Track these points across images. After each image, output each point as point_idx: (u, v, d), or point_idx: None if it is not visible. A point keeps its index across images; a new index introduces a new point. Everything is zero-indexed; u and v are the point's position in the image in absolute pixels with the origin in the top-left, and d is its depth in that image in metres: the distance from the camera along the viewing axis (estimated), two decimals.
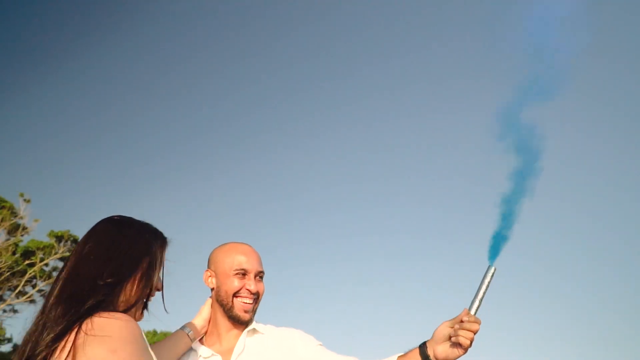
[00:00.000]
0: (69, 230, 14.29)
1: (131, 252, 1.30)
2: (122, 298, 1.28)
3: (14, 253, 13.85)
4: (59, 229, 14.32)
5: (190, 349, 1.74)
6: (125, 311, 1.26)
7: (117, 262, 1.28)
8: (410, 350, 1.62)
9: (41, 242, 14.16)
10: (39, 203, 16.81)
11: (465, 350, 1.51)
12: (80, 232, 14.06)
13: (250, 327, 1.79)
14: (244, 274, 1.76)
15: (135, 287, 1.30)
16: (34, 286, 14.41)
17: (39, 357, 1.14)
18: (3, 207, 13.78)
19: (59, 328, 1.16)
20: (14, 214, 13.80)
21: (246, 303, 1.75)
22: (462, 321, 1.51)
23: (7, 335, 16.72)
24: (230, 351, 1.73)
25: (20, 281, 13.89)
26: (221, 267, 1.76)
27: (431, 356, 1.56)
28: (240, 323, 1.76)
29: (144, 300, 1.35)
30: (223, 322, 1.76)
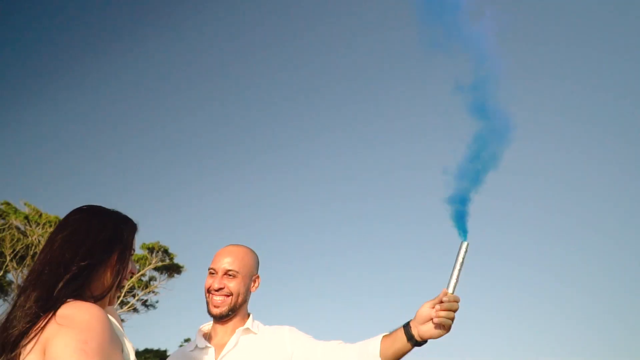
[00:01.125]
0: (158, 242, 15.28)
1: (102, 237, 1.27)
2: (97, 283, 1.25)
3: None
4: (149, 241, 15.32)
5: (194, 340, 1.87)
6: (101, 296, 1.25)
7: (89, 247, 1.24)
8: (395, 330, 1.62)
9: (136, 254, 15.13)
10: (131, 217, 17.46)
11: (448, 329, 1.52)
12: (169, 244, 15.29)
13: (244, 327, 1.85)
14: (212, 272, 1.87)
15: (109, 271, 1.27)
16: (134, 296, 15.41)
17: (14, 348, 1.11)
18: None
19: (27, 313, 1.13)
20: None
21: (214, 299, 1.83)
22: (442, 301, 1.51)
23: None
24: (223, 346, 1.80)
25: (122, 292, 14.88)
26: None
27: (416, 336, 1.57)
28: (214, 318, 1.86)
29: (122, 282, 1.31)
30: (215, 322, 1.89)
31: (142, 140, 27.27)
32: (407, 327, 1.60)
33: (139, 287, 15.31)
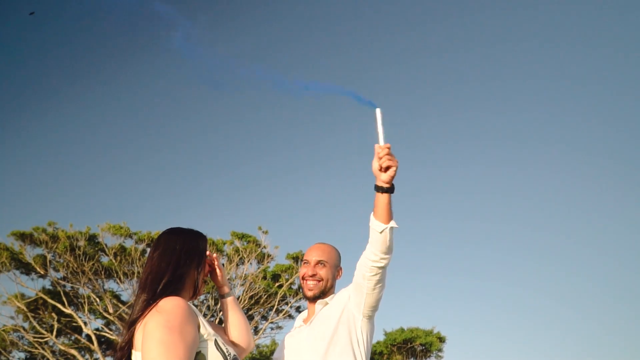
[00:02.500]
0: (301, 251, 16.12)
1: (185, 250, 1.72)
2: (188, 283, 1.70)
3: (264, 278, 15.86)
4: (292, 251, 16.22)
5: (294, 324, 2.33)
6: (191, 291, 1.72)
7: (177, 259, 1.69)
8: (374, 201, 1.93)
9: (283, 265, 16.08)
10: (275, 231, 18.90)
11: (395, 164, 1.86)
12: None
13: (322, 300, 2.21)
14: (306, 263, 2.26)
15: (194, 273, 1.72)
16: (287, 303, 16.48)
17: (131, 326, 1.60)
18: (249, 241, 15.74)
19: (139, 307, 1.60)
20: (258, 245, 15.72)
21: (308, 284, 2.22)
22: (378, 152, 1.88)
23: None
24: (309, 320, 2.24)
25: (275, 301, 15.95)
26: None
27: (381, 184, 1.89)
28: (308, 300, 2.25)
29: (203, 281, 1.77)
30: (308, 302, 2.29)
31: (269, 159, 28.92)
32: (375, 187, 1.93)
33: (290, 294, 16.23)
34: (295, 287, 16.40)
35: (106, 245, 14.01)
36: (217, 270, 1.94)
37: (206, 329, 1.63)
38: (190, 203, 26.68)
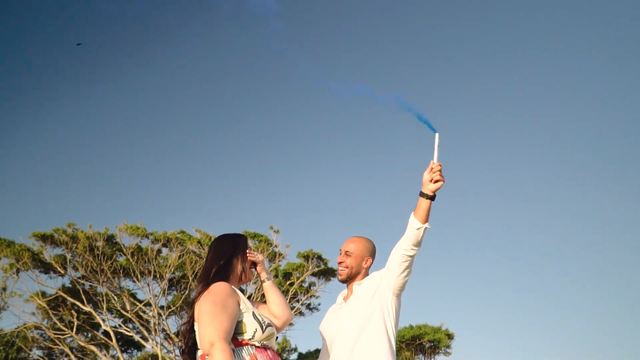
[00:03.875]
0: (311, 249, 16.50)
1: (230, 248, 2.25)
2: (233, 272, 2.22)
3: (276, 276, 16.25)
4: (303, 250, 16.60)
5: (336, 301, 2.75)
6: (240, 279, 2.25)
7: (223, 254, 2.22)
8: (417, 203, 2.38)
9: (294, 263, 16.46)
10: (286, 231, 19.31)
11: (442, 180, 2.32)
12: (321, 250, 16.34)
13: (358, 282, 2.64)
14: (339, 252, 2.71)
15: (237, 264, 2.24)
16: (298, 301, 16.85)
17: (192, 305, 2.14)
18: (261, 240, 16.14)
19: (197, 292, 2.12)
20: (269, 244, 16.11)
21: (338, 269, 2.70)
22: (432, 168, 2.33)
23: (293, 346, 19.68)
24: (347, 298, 2.66)
25: (287, 299, 16.34)
26: None
27: (426, 192, 2.34)
28: (341, 282, 2.71)
29: (250, 269, 2.31)
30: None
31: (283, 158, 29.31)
32: (421, 193, 2.38)
33: (301, 292, 16.61)
34: (306, 284, 16.78)
35: (123, 245, 14.45)
36: (257, 262, 2.42)
37: (245, 304, 2.12)
38: (203, 203, 27.13)
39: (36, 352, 16.18)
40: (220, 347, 1.89)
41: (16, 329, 15.02)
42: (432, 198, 2.36)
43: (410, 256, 2.46)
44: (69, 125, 26.67)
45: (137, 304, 15.29)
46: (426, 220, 2.39)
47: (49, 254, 14.19)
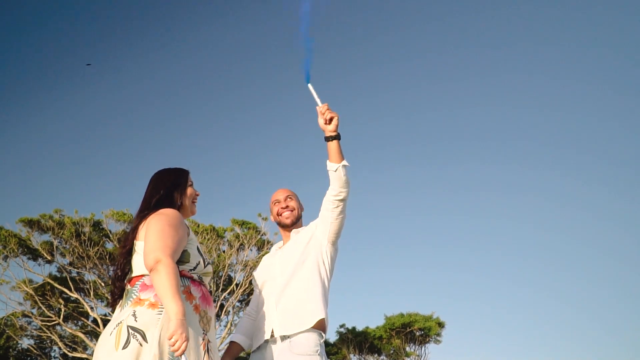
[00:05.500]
0: None
1: (170, 179, 2.21)
2: (174, 203, 2.16)
3: None
4: None
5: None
6: (179, 206, 2.18)
7: (164, 185, 2.18)
8: (327, 151, 2.39)
9: None
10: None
11: (335, 114, 2.35)
12: None
13: (295, 230, 2.64)
14: (277, 202, 2.70)
15: (177, 195, 2.19)
16: None
17: (133, 230, 2.09)
18: (249, 228, 16.13)
19: (138, 218, 2.09)
20: (257, 231, 16.11)
21: (284, 215, 2.65)
22: (321, 112, 2.37)
23: None
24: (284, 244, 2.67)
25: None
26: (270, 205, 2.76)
27: (331, 133, 2.35)
28: (285, 227, 2.67)
29: (192, 202, 2.27)
30: (282, 231, 2.71)
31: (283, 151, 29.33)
32: (325, 139, 2.38)
33: None
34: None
35: (110, 231, 14.46)
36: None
37: (193, 237, 2.11)
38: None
39: (26, 341, 16.19)
40: (167, 263, 1.82)
41: (3, 317, 15.02)
42: (335, 137, 2.36)
43: (341, 199, 2.44)
44: (56, 113, 26.70)
45: None
46: (341, 160, 2.38)
47: (36, 240, 14.19)
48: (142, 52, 27.86)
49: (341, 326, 19.59)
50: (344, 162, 2.37)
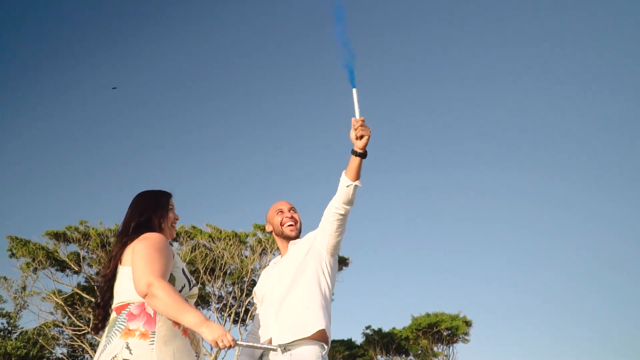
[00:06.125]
0: None
1: (150, 204, 2.15)
2: (155, 228, 2.10)
3: None
4: None
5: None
6: (160, 230, 2.11)
7: (144, 210, 2.12)
8: (349, 161, 2.33)
9: None
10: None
11: (368, 133, 2.25)
12: None
13: (294, 241, 2.60)
14: (280, 212, 2.65)
15: (157, 220, 2.12)
16: None
17: (116, 256, 2.05)
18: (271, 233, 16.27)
19: (119, 245, 2.04)
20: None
21: (289, 227, 2.60)
22: (355, 125, 2.26)
23: None
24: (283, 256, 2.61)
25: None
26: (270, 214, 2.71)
27: (357, 150, 2.28)
28: (289, 239, 2.62)
29: (171, 225, 2.19)
30: (281, 242, 2.66)
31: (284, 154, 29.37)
32: (352, 152, 2.32)
33: None
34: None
35: None
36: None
37: (177, 260, 2.07)
38: (213, 198, 27.45)
39: (58, 350, 16.57)
40: (160, 283, 1.81)
41: (36, 327, 15.40)
42: (361, 155, 2.30)
43: (342, 214, 2.40)
44: (77, 125, 27.26)
45: None
46: (357, 178, 2.34)
47: (63, 252, 14.51)
48: (156, 56, 28.24)
49: (367, 328, 19.52)
50: (357, 182, 2.34)
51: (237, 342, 1.85)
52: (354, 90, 2.27)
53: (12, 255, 14.84)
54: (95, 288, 14.65)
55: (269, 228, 2.73)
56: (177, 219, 2.25)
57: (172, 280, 1.98)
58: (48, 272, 14.66)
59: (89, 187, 26.29)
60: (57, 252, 14.48)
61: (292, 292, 2.42)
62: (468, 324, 18.90)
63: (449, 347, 18.78)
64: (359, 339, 19.70)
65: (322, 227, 2.48)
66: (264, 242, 15.77)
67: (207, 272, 15.50)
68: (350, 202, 2.38)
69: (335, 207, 2.40)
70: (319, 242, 2.50)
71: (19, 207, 24.75)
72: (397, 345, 18.91)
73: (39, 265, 14.41)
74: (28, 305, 15.50)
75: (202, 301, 16.53)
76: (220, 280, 15.80)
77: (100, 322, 2.04)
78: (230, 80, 28.87)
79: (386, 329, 19.38)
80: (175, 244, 15.67)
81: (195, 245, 15.60)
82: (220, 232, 16.07)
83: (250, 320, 16.24)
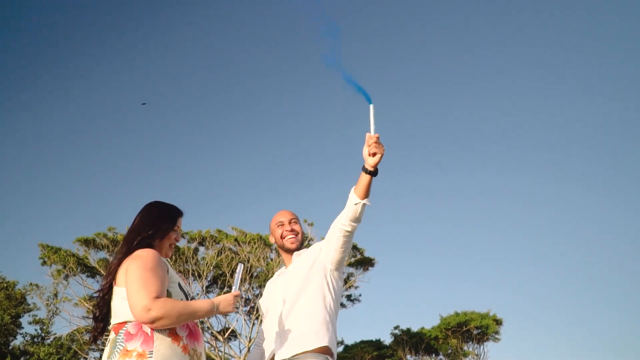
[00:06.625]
0: None
1: (158, 221, 2.10)
2: (156, 243, 2.06)
3: None
4: None
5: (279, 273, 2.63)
6: (159, 248, 2.07)
7: (150, 224, 2.07)
8: (359, 178, 2.25)
9: None
10: (320, 223, 19.53)
11: (381, 151, 2.17)
12: (356, 240, 16.27)
13: (298, 252, 2.56)
14: (280, 224, 2.61)
15: (162, 237, 2.09)
16: (356, 287, 17.00)
17: (112, 273, 2.01)
18: None
19: (120, 255, 2.00)
20: (304, 237, 16.23)
21: (289, 239, 2.57)
22: (368, 141, 2.18)
23: (339, 339, 19.73)
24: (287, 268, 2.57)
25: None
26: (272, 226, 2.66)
27: (368, 167, 2.19)
28: (290, 252, 2.59)
29: (170, 245, 2.14)
30: (284, 254, 2.63)
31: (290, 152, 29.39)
32: (362, 168, 2.24)
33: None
34: (344, 276, 16.73)
35: None
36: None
37: (172, 275, 2.03)
38: (238, 202, 27.66)
39: (92, 355, 16.87)
40: (158, 304, 1.81)
41: (68, 333, 15.70)
42: (372, 173, 2.22)
43: (349, 232, 2.35)
44: (104, 134, 27.78)
45: None
46: (365, 196, 2.27)
47: (93, 258, 14.77)
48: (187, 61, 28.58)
49: (395, 328, 19.38)
50: (366, 201, 2.28)
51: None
52: (371, 106, 2.20)
53: (44, 263, 15.20)
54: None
55: (272, 239, 2.71)
56: (177, 241, 2.21)
57: (168, 296, 1.96)
58: (79, 278, 14.96)
59: (117, 193, 26.75)
60: (87, 259, 14.75)
61: (296, 308, 2.37)
62: (498, 322, 18.60)
63: (480, 346, 18.52)
64: (387, 339, 19.59)
65: (328, 241, 2.44)
66: None
67: (234, 276, 15.55)
68: (357, 220, 2.32)
69: (342, 223, 2.34)
70: (323, 254, 2.46)
71: (50, 215, 25.36)
72: (427, 345, 18.72)
73: (70, 272, 14.70)
74: (60, 312, 15.82)
75: None
76: (247, 283, 15.88)
77: (99, 333, 2.06)
78: (261, 85, 29.01)
79: (415, 328, 19.21)
80: (201, 248, 15.85)
81: (221, 249, 15.71)
82: (246, 235, 16.15)
83: None
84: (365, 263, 16.71)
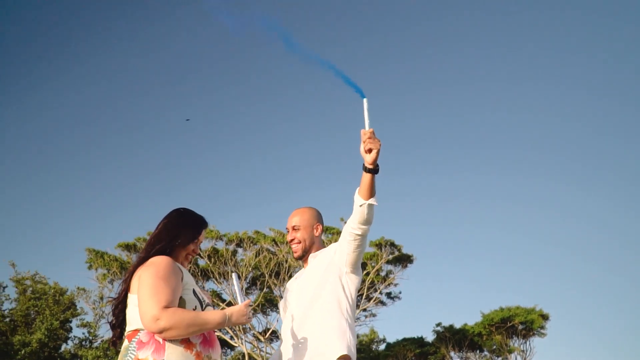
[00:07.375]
0: (383, 237, 16.34)
1: (181, 227, 2.07)
2: (176, 252, 2.04)
3: None
4: (375, 239, 16.45)
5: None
6: (176, 259, 2.02)
7: (172, 232, 2.05)
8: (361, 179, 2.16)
9: (368, 252, 16.33)
10: None
11: (376, 146, 2.07)
12: (393, 237, 16.06)
13: (312, 254, 2.47)
14: (287, 231, 2.54)
15: (182, 246, 2.06)
16: (376, 290, 16.78)
17: (127, 280, 1.99)
18: (333, 233, 16.24)
19: (137, 261, 1.99)
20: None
21: (293, 247, 2.51)
22: (362, 137, 2.09)
23: (380, 337, 19.74)
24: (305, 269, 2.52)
25: (364, 289, 16.29)
26: None
27: (367, 165, 2.09)
28: (299, 259, 2.52)
29: (186, 255, 2.10)
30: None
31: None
32: (362, 167, 2.14)
33: (378, 281, 16.45)
34: (383, 273, 16.61)
35: (200, 248, 15.06)
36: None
37: (187, 281, 2.01)
38: (276, 202, 27.82)
39: None
40: (167, 314, 1.81)
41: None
42: (372, 171, 2.11)
43: (359, 235, 2.26)
44: (142, 142, 28.41)
45: (221, 304, 15.88)
46: (370, 196, 2.16)
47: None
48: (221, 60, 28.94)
49: (437, 325, 19.09)
50: (371, 201, 2.17)
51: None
52: (365, 100, 2.10)
53: (90, 267, 15.68)
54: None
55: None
56: (196, 253, 2.18)
57: (182, 303, 1.95)
58: None
59: (156, 199, 27.37)
60: (130, 263, 15.10)
61: (310, 315, 2.31)
62: (545, 317, 18.07)
63: (525, 341, 18.04)
64: (429, 337, 19.32)
65: (341, 244, 2.36)
66: (326, 243, 15.70)
67: (273, 276, 15.70)
68: (366, 222, 2.22)
69: (351, 227, 2.25)
70: (337, 256, 2.38)
71: (95, 219, 26.16)
72: (470, 342, 18.36)
73: (114, 276, 15.09)
74: (106, 315, 16.23)
75: (271, 304, 16.77)
76: (287, 283, 15.98)
77: (118, 338, 2.05)
78: (295, 85, 29.16)
79: (458, 325, 18.88)
80: (240, 250, 16.01)
81: (259, 250, 15.82)
82: (283, 236, 16.20)
83: None
84: (403, 260, 16.51)
